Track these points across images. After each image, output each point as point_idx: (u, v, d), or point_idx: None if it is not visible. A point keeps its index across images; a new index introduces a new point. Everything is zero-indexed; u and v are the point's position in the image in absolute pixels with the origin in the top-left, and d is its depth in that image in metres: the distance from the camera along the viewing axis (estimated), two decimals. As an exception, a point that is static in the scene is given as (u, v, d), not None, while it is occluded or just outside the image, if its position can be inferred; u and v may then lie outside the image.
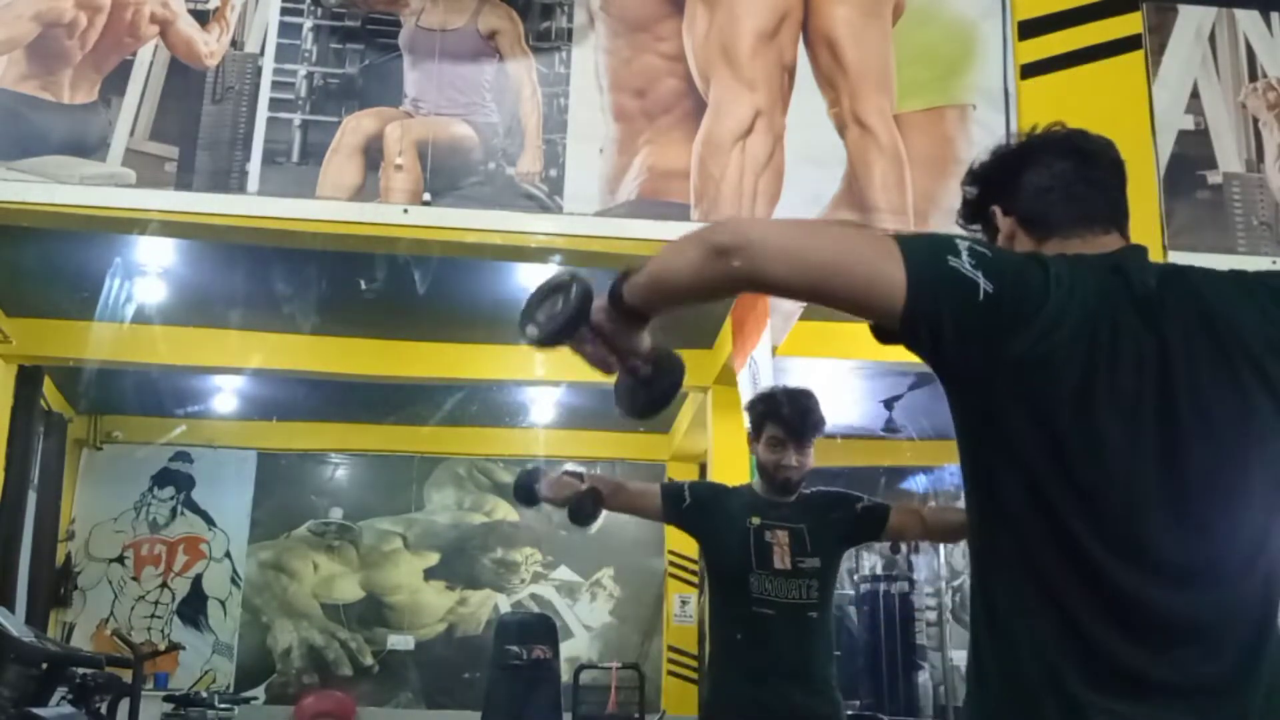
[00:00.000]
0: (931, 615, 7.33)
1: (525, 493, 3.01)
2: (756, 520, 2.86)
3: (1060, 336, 1.26)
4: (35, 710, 4.22)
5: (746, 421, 3.21)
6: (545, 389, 7.85)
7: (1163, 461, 1.26)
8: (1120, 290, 1.31)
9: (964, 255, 1.26)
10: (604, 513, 2.94)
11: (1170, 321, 1.30)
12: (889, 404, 6.57)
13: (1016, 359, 1.25)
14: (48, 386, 7.44)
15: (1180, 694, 1.22)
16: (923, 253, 1.27)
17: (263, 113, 3.15)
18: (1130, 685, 1.22)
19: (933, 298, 1.25)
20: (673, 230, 3.17)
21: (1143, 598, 1.24)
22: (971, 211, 1.55)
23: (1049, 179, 1.46)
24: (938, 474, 7.69)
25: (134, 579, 8.95)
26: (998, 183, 1.51)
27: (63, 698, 4.78)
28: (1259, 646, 1.26)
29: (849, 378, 6.46)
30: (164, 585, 8.98)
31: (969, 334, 1.26)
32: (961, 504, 2.12)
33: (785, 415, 2.90)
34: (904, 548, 7.73)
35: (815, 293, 1.29)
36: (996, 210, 1.50)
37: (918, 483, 7.90)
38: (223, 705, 7.77)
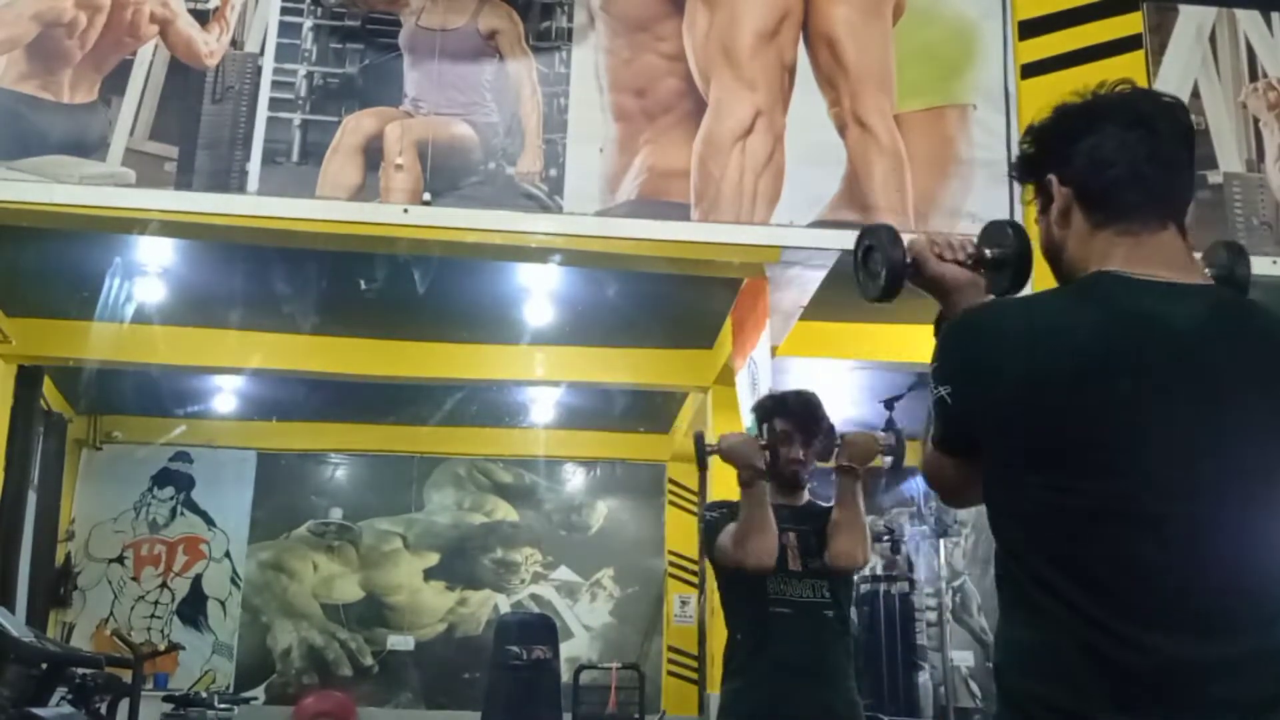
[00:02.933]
0: (931, 615, 7.33)
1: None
2: None
3: (1038, 387, 1.27)
4: (35, 710, 4.21)
5: (747, 422, 3.22)
6: (545, 389, 7.84)
7: (1196, 508, 1.25)
8: (1156, 327, 1.29)
9: (932, 384, 1.40)
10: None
11: (1220, 351, 1.29)
12: (889, 404, 6.56)
13: (1003, 421, 1.30)
14: (48, 386, 7.44)
15: (1203, 711, 1.21)
16: (930, 416, 1.43)
17: (263, 112, 3.15)
18: (1150, 702, 1.21)
19: (943, 440, 1.43)
20: (673, 230, 3.18)
21: (1170, 634, 1.23)
22: (1025, 170, 1.48)
23: (1114, 151, 1.38)
24: (938, 474, 7.67)
25: (134, 579, 8.95)
26: (1058, 148, 1.43)
27: (63, 698, 4.78)
28: None
29: (849, 378, 6.46)
30: (164, 585, 8.98)
31: (967, 429, 1.38)
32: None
33: (792, 408, 2.95)
34: (903, 548, 7.73)
35: None
36: (1053, 179, 1.42)
37: (918, 483, 7.89)
38: (222, 705, 7.77)
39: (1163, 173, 1.38)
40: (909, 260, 1.55)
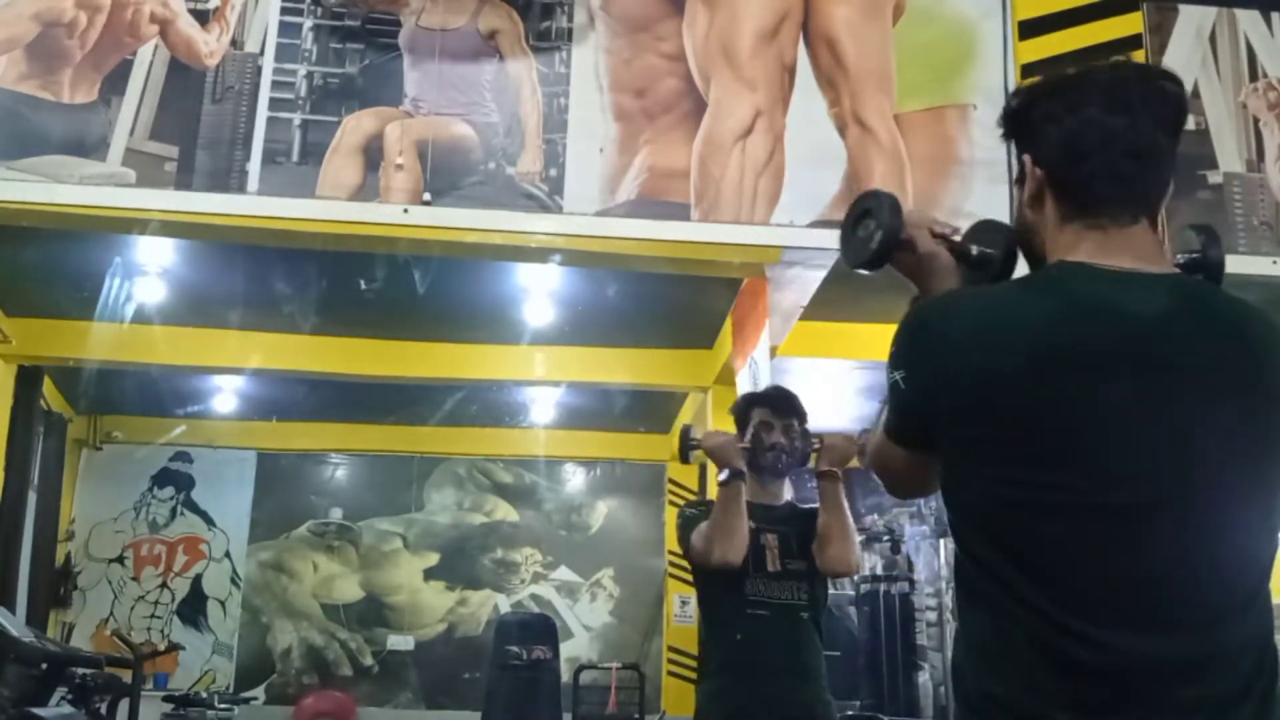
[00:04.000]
0: (931, 615, 7.32)
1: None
2: (751, 525, 2.90)
3: (986, 384, 1.26)
4: (35, 710, 4.21)
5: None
6: (545, 389, 7.84)
7: (1162, 500, 1.22)
8: (1116, 316, 1.27)
9: (888, 371, 1.37)
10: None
11: (1182, 340, 1.27)
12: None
13: (953, 417, 1.29)
14: (48, 386, 7.44)
15: (1171, 713, 1.19)
16: (886, 404, 1.42)
17: (263, 112, 3.15)
18: (1112, 704, 1.18)
19: (896, 427, 1.40)
20: (673, 230, 3.18)
21: (1132, 632, 1.20)
22: (1008, 130, 1.44)
23: (1092, 142, 1.33)
24: (938, 474, 7.67)
25: (134, 579, 8.95)
26: (1036, 127, 1.38)
27: (63, 698, 4.77)
28: (1255, 671, 1.23)
29: (849, 378, 6.46)
30: (164, 585, 8.98)
31: (919, 418, 1.36)
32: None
33: (768, 396, 3.01)
34: (903, 548, 7.72)
35: None
36: (1028, 159, 1.39)
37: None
38: (222, 705, 7.76)
39: (1140, 168, 1.34)
40: (903, 235, 1.49)
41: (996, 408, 1.25)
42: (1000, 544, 1.26)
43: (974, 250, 1.51)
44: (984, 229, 1.55)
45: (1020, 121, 1.41)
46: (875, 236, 1.49)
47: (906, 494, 1.49)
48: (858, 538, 2.96)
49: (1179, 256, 1.50)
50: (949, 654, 6.88)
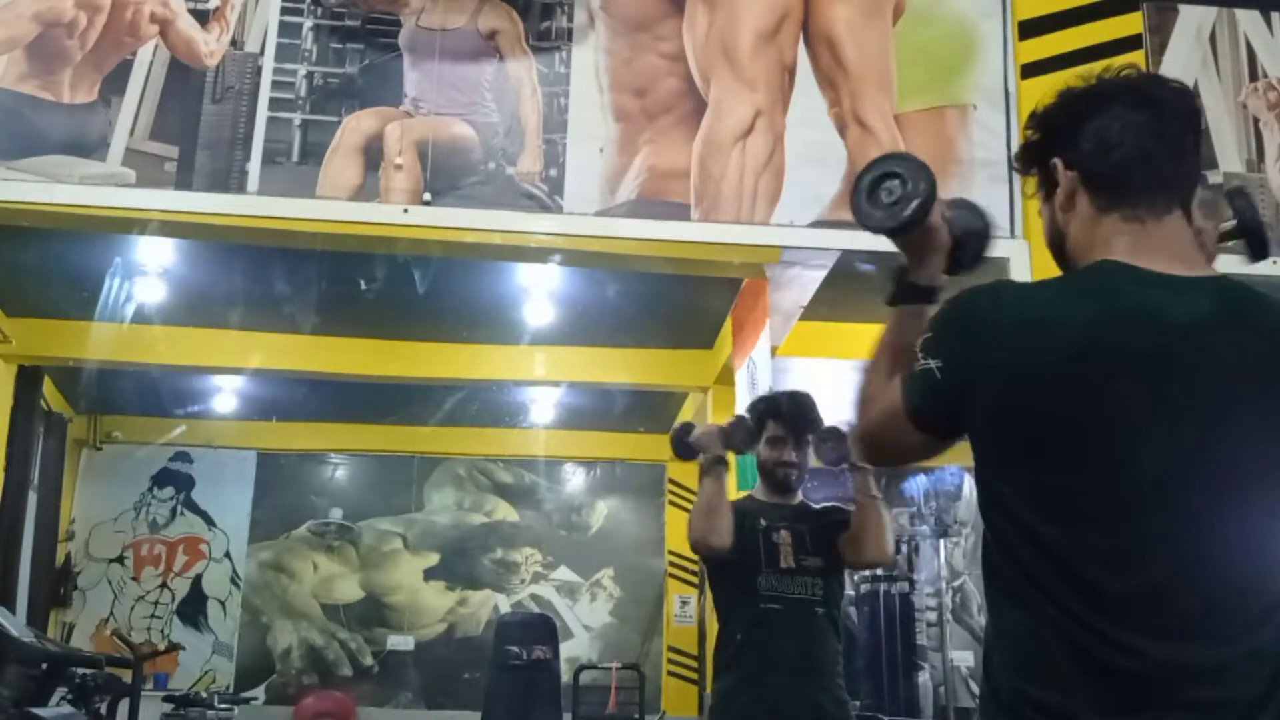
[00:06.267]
0: (931, 615, 7.33)
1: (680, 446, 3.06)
2: (764, 523, 2.93)
3: (1029, 380, 1.26)
4: (35, 710, 4.21)
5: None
6: (545, 389, 7.84)
7: (1180, 508, 1.23)
8: (1157, 322, 1.27)
9: (920, 354, 1.38)
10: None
11: (1219, 347, 1.27)
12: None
13: (993, 410, 1.28)
14: (48, 386, 7.44)
15: (1191, 714, 1.20)
16: (907, 383, 1.41)
17: (263, 112, 3.15)
18: (1138, 705, 1.20)
19: (920, 410, 1.39)
20: (673, 230, 3.18)
21: (1158, 637, 1.21)
22: (1029, 158, 1.48)
23: (1121, 132, 1.37)
24: (938, 474, 7.68)
25: (134, 579, 8.95)
26: (1064, 131, 1.42)
27: (63, 698, 4.77)
28: (1275, 677, 1.23)
29: (849, 378, 6.45)
30: (164, 585, 8.98)
31: (951, 408, 1.34)
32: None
33: (785, 412, 3.00)
34: (903, 547, 7.73)
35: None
36: (1059, 163, 1.41)
37: (917, 483, 7.89)
38: (222, 705, 7.76)
39: (1170, 153, 1.37)
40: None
41: (1037, 405, 1.26)
42: (1032, 545, 1.27)
43: (957, 227, 1.55)
44: (963, 206, 1.61)
45: (1048, 130, 1.44)
46: (911, 203, 1.51)
47: (898, 465, 1.58)
48: (892, 528, 2.97)
49: (1224, 225, 1.54)
50: (949, 654, 6.91)
